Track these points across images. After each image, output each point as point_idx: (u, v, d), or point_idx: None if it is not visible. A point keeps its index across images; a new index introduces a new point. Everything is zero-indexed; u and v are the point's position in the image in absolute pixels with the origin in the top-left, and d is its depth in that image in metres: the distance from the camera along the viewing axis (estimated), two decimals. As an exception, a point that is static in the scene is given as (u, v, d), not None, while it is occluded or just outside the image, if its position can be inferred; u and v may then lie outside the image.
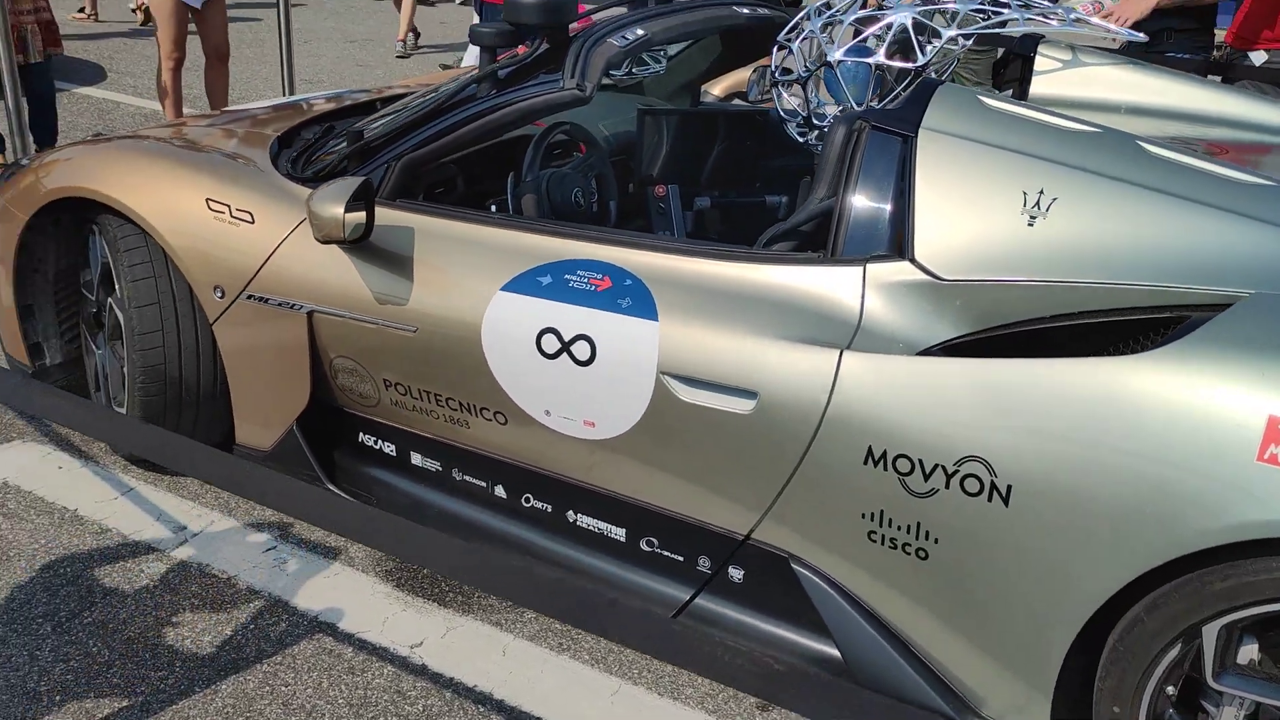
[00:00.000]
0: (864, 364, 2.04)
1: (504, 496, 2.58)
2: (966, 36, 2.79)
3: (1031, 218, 2.06)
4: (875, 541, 2.07)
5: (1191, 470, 1.75)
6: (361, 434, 2.77)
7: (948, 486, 1.96)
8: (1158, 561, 1.79)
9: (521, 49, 2.66)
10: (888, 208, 2.16)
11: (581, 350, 2.28)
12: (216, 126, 3.33)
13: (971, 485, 1.93)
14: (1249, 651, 1.83)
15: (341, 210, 2.36)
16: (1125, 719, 1.91)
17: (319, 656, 2.41)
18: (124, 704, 2.24)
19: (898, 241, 2.13)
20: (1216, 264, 1.95)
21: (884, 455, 2.01)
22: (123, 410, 2.93)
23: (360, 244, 2.51)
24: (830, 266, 2.17)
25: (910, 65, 2.74)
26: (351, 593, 2.61)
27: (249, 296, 2.67)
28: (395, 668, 2.38)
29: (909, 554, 2.04)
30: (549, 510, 2.52)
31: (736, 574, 2.31)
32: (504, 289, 2.37)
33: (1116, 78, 2.87)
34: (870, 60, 2.77)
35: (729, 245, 2.31)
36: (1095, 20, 2.89)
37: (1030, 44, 2.96)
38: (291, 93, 5.82)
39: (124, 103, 6.93)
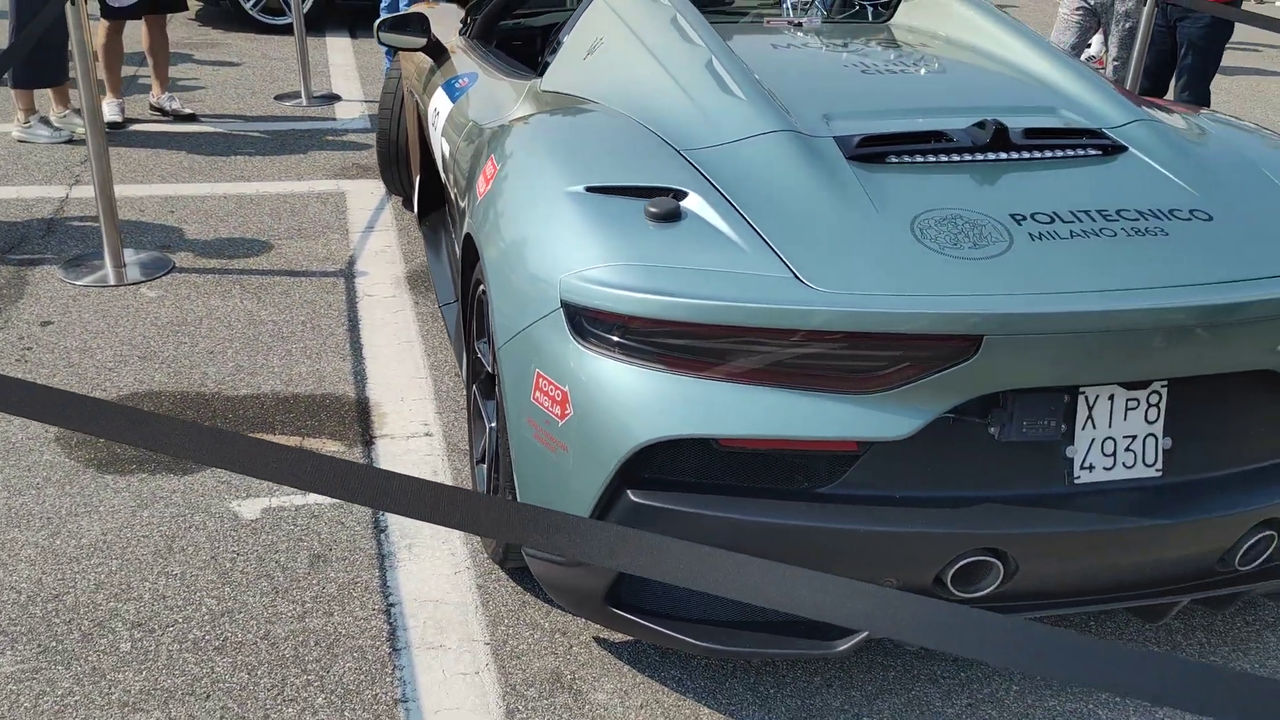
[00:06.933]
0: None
1: None
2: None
3: (588, 53, 2.94)
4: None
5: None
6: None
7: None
8: None
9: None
10: (559, 47, 3.15)
11: (436, 121, 3.64)
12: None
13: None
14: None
15: (376, 29, 3.96)
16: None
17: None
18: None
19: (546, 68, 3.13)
20: (627, 93, 2.68)
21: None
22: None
23: (430, 57, 4.09)
24: (529, 80, 3.21)
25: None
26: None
27: (409, 91, 4.42)
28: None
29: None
30: None
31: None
32: (442, 86, 3.79)
33: (949, 8, 3.18)
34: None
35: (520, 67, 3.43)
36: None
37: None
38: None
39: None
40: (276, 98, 6.73)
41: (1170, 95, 5.18)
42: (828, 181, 2.18)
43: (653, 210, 2.10)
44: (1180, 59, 4.96)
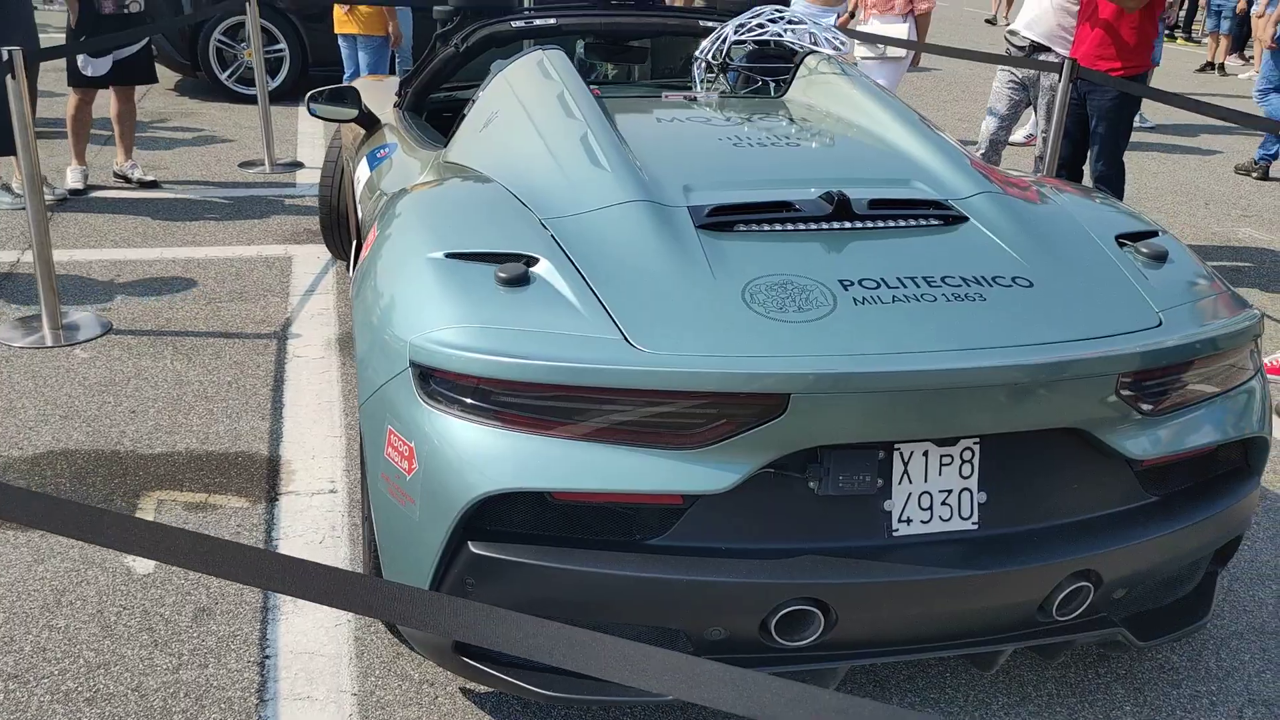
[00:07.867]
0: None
1: None
2: (747, 41, 3.58)
3: (484, 126, 3.08)
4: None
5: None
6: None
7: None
8: None
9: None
10: (463, 120, 3.30)
11: (357, 188, 3.78)
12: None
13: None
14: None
15: (307, 101, 4.13)
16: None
17: (257, 345, 4.25)
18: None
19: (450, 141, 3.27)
20: (510, 164, 2.81)
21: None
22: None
23: (361, 126, 4.24)
24: (436, 150, 3.36)
25: (707, 57, 3.68)
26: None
27: (350, 160, 4.58)
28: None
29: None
30: None
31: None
32: (366, 156, 3.94)
33: (834, 85, 3.33)
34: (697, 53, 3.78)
35: (438, 139, 3.58)
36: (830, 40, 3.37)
37: (802, 55, 3.53)
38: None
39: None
40: (240, 165, 6.91)
41: (1086, 163, 5.35)
42: (673, 249, 2.30)
43: (502, 275, 2.21)
44: (1093, 129, 5.14)
